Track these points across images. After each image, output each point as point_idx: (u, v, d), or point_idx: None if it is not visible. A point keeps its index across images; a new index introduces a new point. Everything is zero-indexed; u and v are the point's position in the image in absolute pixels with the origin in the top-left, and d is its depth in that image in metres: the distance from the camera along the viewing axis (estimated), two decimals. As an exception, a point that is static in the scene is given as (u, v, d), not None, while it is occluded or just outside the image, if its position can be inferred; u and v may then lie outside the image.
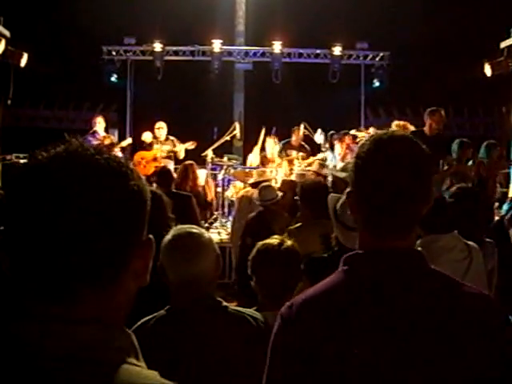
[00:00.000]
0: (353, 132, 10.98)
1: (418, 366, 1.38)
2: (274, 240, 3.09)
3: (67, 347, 0.96)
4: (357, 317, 1.41)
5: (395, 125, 8.52)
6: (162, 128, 10.45)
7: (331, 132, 11.54)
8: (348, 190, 1.53)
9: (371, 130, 10.93)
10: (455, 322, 1.41)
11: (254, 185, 8.32)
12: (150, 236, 1.07)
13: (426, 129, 7.97)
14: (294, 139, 11.26)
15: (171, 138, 10.51)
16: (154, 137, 10.47)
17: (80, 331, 0.98)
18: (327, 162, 11.12)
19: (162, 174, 7.09)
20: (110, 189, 0.98)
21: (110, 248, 0.98)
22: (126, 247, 1.01)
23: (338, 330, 1.41)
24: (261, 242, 3.14)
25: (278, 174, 9.89)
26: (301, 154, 10.78)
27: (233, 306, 2.56)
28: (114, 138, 11.17)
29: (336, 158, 10.94)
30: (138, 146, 10.91)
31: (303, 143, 11.32)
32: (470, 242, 3.46)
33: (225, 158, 10.83)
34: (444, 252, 3.19)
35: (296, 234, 4.38)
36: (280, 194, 6.22)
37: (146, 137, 10.52)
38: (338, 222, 3.20)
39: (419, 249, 1.49)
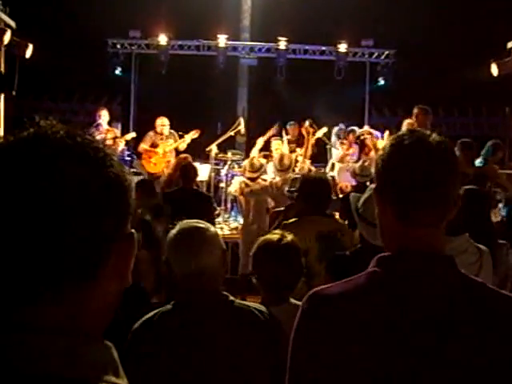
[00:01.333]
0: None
1: (446, 373, 1.37)
2: (274, 235, 3.09)
3: (33, 362, 0.84)
4: (382, 321, 1.40)
5: (406, 123, 8.49)
6: (164, 124, 10.36)
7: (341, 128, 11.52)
8: (374, 186, 1.54)
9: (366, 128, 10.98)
10: (485, 327, 1.40)
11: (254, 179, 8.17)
12: (132, 230, 0.96)
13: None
14: (290, 136, 11.28)
15: (171, 131, 10.45)
16: (156, 133, 10.38)
17: (48, 342, 0.85)
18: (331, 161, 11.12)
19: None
20: (80, 176, 0.87)
21: (84, 243, 0.87)
22: (103, 242, 0.90)
23: (359, 332, 1.40)
24: (261, 238, 3.13)
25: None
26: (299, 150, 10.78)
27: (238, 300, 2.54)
28: (118, 131, 11.13)
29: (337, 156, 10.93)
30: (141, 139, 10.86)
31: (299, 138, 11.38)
32: (480, 246, 3.42)
33: (229, 154, 10.81)
34: (457, 254, 3.14)
35: (293, 229, 4.35)
36: None
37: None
38: (362, 220, 3.19)
39: None
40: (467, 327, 1.39)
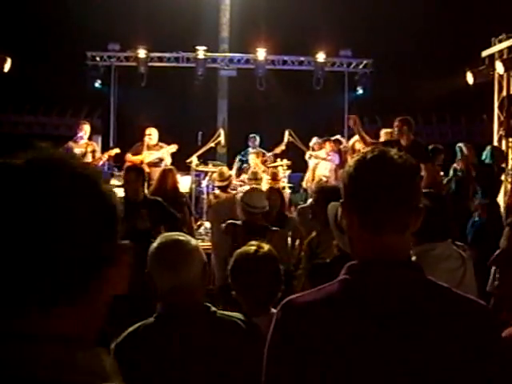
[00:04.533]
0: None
1: (412, 379, 1.43)
2: (251, 247, 3.10)
3: (23, 368, 0.86)
4: (352, 326, 1.47)
5: (384, 133, 8.60)
6: (151, 134, 10.30)
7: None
8: (341, 200, 1.64)
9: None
10: (450, 331, 1.47)
11: (223, 188, 8.21)
12: (126, 241, 1.00)
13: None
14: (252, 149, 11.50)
15: (160, 144, 10.34)
16: (142, 143, 10.33)
17: (45, 351, 0.88)
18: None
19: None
20: (78, 195, 0.92)
21: (79, 257, 0.91)
22: (97, 255, 0.93)
23: (330, 339, 1.46)
24: (238, 251, 3.14)
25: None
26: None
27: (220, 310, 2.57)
28: (97, 145, 11.10)
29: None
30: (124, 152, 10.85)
31: (262, 150, 11.51)
32: (461, 251, 3.46)
33: (209, 165, 10.84)
34: (440, 260, 3.18)
35: (317, 242, 4.41)
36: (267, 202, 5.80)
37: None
38: (338, 229, 3.23)
39: (414, 257, 1.55)
40: (432, 331, 1.46)
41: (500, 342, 1.56)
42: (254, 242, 3.20)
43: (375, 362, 1.43)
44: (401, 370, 1.43)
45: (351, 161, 1.62)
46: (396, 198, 1.53)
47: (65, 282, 0.90)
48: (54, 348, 0.89)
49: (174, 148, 10.23)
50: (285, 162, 10.94)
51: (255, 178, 8.41)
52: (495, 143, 11.81)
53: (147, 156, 10.17)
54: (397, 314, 1.46)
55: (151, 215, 6.04)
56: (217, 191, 8.68)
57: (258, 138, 11.93)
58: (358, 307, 1.48)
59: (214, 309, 2.46)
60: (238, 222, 5.60)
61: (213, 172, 10.55)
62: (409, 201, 1.55)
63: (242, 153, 11.67)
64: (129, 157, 10.25)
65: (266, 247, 3.09)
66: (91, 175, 0.96)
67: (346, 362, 1.43)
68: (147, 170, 9.86)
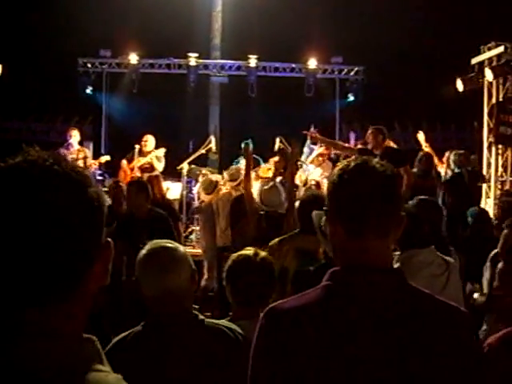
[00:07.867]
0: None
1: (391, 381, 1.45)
2: (249, 251, 3.12)
3: (28, 361, 0.95)
4: (334, 332, 1.49)
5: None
6: (147, 141, 10.23)
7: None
8: (325, 208, 1.67)
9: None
10: (429, 338, 1.50)
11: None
12: (108, 239, 1.08)
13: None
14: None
15: (154, 150, 10.17)
16: (140, 149, 10.25)
17: (43, 345, 0.97)
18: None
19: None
20: (69, 197, 0.99)
21: (74, 256, 0.99)
22: (89, 253, 1.02)
23: (312, 345, 1.48)
24: (235, 254, 3.16)
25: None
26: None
27: (209, 318, 2.57)
28: (89, 151, 11.09)
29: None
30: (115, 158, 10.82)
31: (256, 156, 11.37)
32: (447, 257, 3.50)
33: (203, 171, 10.82)
34: (423, 267, 3.23)
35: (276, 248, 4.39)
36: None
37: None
38: (323, 235, 3.24)
39: (398, 264, 1.58)
40: (412, 335, 1.49)
41: (476, 346, 1.60)
42: (250, 248, 3.22)
43: (358, 366, 1.45)
44: (383, 373, 1.46)
45: (335, 169, 1.66)
46: (377, 206, 1.56)
47: (58, 281, 0.98)
48: (51, 343, 0.98)
49: (161, 152, 10.12)
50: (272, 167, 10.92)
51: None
52: (485, 150, 11.89)
53: (138, 162, 10.13)
54: (378, 319, 1.49)
55: (153, 232, 5.33)
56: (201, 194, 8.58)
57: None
58: (341, 313, 1.51)
59: (202, 317, 2.46)
60: None
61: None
62: (390, 208, 1.59)
63: (236, 160, 11.61)
64: (123, 163, 10.23)
65: (263, 253, 3.12)
66: (79, 179, 1.02)
67: (328, 368, 1.45)
68: (139, 174, 9.83)
